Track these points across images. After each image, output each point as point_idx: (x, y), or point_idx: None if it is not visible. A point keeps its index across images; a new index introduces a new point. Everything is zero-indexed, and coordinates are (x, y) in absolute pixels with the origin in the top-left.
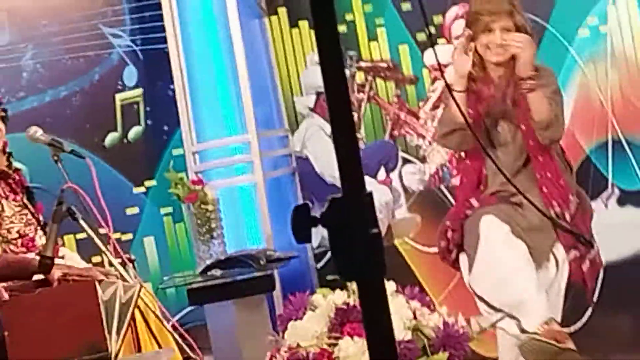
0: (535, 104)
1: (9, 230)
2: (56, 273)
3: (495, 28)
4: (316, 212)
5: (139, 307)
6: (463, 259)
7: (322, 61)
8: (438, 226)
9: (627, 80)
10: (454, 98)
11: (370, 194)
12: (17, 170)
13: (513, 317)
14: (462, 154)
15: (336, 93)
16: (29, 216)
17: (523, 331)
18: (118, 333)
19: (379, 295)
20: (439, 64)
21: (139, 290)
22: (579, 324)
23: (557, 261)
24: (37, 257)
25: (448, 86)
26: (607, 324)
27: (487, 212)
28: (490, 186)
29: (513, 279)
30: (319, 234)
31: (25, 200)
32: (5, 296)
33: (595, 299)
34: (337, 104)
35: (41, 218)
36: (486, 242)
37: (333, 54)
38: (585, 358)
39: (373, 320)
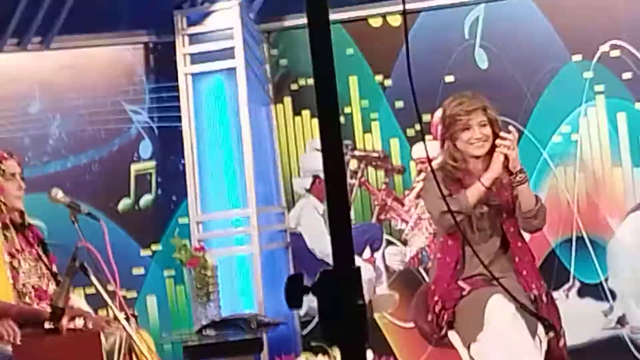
0: (524, 195)
1: (24, 285)
2: (65, 322)
3: (473, 125)
4: (307, 283)
5: (137, 356)
6: (453, 335)
7: (323, 146)
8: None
9: (593, 184)
10: (437, 183)
11: (359, 269)
12: (30, 225)
13: None
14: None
15: (334, 176)
16: (43, 269)
17: None
18: None
19: (360, 359)
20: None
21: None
22: None
23: (540, 340)
24: (48, 308)
25: (434, 173)
26: None
27: (496, 292)
28: (468, 267)
29: (522, 354)
30: (305, 303)
31: (40, 253)
32: (18, 341)
33: None
34: (334, 186)
35: (54, 268)
36: (495, 320)
37: (334, 141)
38: None
39: None
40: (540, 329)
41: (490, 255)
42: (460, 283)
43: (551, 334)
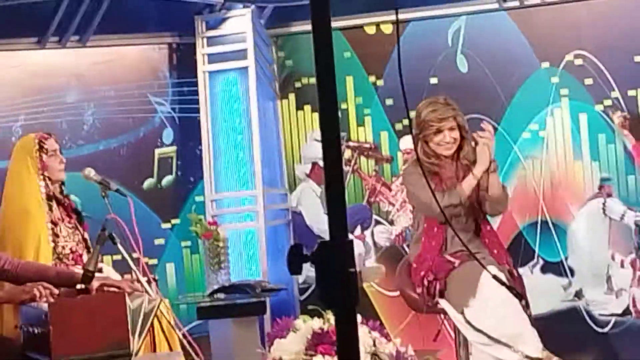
0: (493, 182)
1: (63, 248)
2: (95, 284)
3: (444, 129)
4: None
5: (157, 317)
6: (445, 303)
7: (323, 137)
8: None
9: (557, 175)
10: (424, 173)
11: (351, 241)
12: (67, 196)
13: (508, 346)
14: (424, 220)
15: (332, 160)
16: (79, 236)
17: (527, 357)
18: (140, 336)
19: (351, 320)
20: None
21: (159, 304)
22: None
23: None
24: (81, 270)
25: (420, 164)
26: None
27: (491, 263)
28: (450, 246)
29: (512, 316)
30: (304, 272)
31: (76, 222)
32: (51, 299)
33: None
34: (332, 168)
35: (86, 236)
36: (487, 286)
37: (332, 131)
38: None
39: (345, 340)
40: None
41: (467, 237)
42: (448, 257)
43: (522, 303)
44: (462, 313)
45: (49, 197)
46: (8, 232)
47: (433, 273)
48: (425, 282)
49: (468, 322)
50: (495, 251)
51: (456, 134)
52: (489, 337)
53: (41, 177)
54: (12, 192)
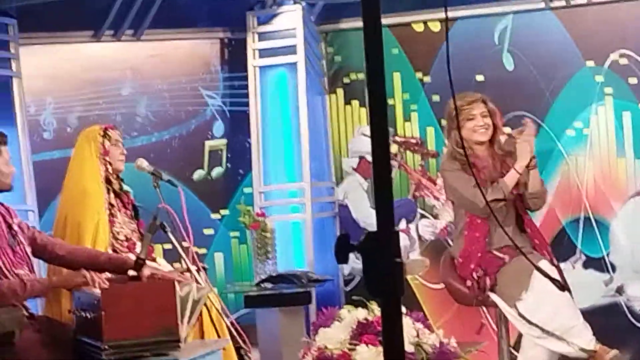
0: (533, 178)
1: (118, 233)
2: (146, 271)
3: (476, 114)
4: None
5: (206, 305)
6: (495, 297)
7: (372, 131)
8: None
9: (600, 172)
10: (471, 168)
11: (398, 232)
12: (126, 192)
13: (561, 339)
14: (465, 215)
15: (380, 153)
16: (134, 227)
17: (582, 349)
18: (188, 322)
19: (396, 309)
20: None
21: (209, 292)
22: None
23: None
24: (133, 258)
25: (469, 161)
26: None
27: (542, 259)
28: (495, 240)
29: (564, 310)
30: (350, 264)
31: (132, 215)
32: (105, 284)
33: None
34: (380, 161)
35: (142, 231)
36: (540, 280)
37: (381, 126)
38: None
39: (390, 328)
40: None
41: (509, 230)
42: (497, 253)
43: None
44: (515, 307)
45: (108, 181)
46: (69, 213)
47: (482, 268)
48: (475, 277)
49: (521, 316)
50: (536, 241)
51: (488, 120)
52: (543, 330)
53: (102, 160)
54: (73, 175)
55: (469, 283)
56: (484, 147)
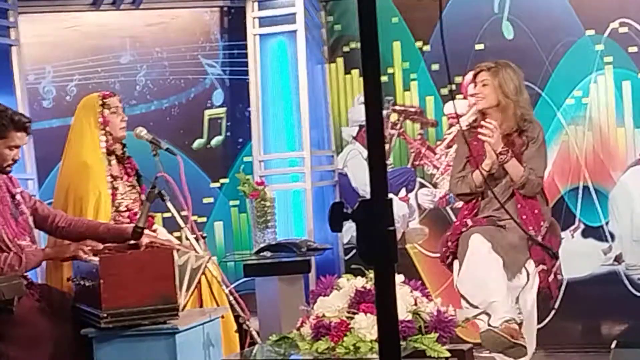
0: (511, 169)
1: (120, 204)
2: (144, 240)
3: (477, 82)
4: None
5: (205, 274)
6: (455, 265)
7: (366, 101)
8: (441, 237)
9: (599, 141)
10: (465, 139)
11: (391, 200)
12: (129, 157)
13: (487, 314)
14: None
15: (374, 121)
16: (136, 195)
17: (489, 325)
18: (187, 291)
19: (389, 277)
20: (456, 113)
21: (207, 260)
22: (543, 324)
23: (528, 273)
24: (132, 226)
25: (462, 131)
26: (564, 326)
27: (477, 231)
28: (482, 211)
29: (489, 285)
30: (349, 232)
31: (135, 182)
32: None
33: (557, 305)
34: (373, 126)
35: (142, 197)
36: (472, 254)
37: (375, 96)
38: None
39: (383, 297)
40: (532, 265)
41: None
42: (467, 220)
43: (542, 267)
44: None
45: (109, 152)
46: (70, 186)
47: (452, 234)
48: (447, 243)
49: (456, 286)
50: (523, 217)
51: (485, 90)
52: (469, 303)
53: (102, 132)
54: (73, 147)
55: (443, 249)
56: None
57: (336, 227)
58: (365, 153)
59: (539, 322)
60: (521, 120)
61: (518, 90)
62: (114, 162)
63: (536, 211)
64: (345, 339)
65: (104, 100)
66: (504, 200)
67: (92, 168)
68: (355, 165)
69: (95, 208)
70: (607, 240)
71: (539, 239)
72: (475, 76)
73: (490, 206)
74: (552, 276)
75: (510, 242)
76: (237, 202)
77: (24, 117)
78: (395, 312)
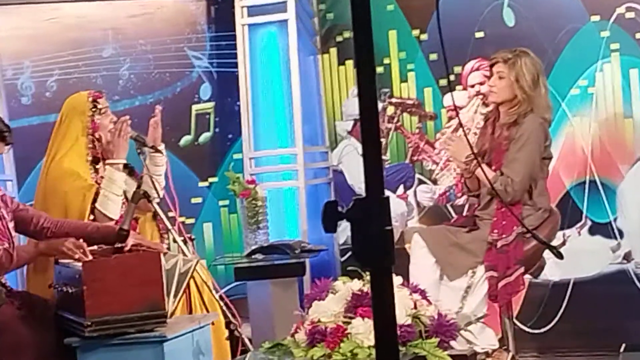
0: (481, 177)
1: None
2: (130, 242)
3: (493, 72)
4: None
5: (194, 278)
6: None
7: (360, 93)
8: None
9: (606, 133)
10: (464, 133)
11: (387, 198)
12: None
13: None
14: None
15: (368, 115)
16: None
17: None
18: (175, 296)
19: (386, 280)
20: (455, 106)
21: (196, 264)
22: (548, 327)
23: (473, 276)
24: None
25: (461, 124)
26: (571, 328)
27: (417, 231)
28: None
29: (416, 281)
30: (346, 233)
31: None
32: (89, 257)
33: (563, 307)
34: (367, 120)
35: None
36: (411, 255)
37: (369, 88)
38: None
39: (380, 300)
40: (481, 270)
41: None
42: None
43: (492, 274)
44: None
45: (95, 159)
46: (52, 191)
47: None
48: None
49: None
50: (495, 218)
51: (501, 83)
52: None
53: (91, 137)
54: (58, 151)
55: None
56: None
57: (330, 227)
58: (360, 148)
59: (543, 325)
60: (521, 117)
61: (536, 82)
62: (101, 167)
63: (511, 215)
64: (342, 345)
65: (95, 103)
66: (490, 199)
67: (77, 175)
68: (351, 162)
69: (78, 216)
70: (615, 238)
71: (499, 244)
72: (491, 67)
73: (480, 203)
74: (501, 284)
75: (459, 243)
76: (226, 202)
77: (2, 123)
78: (394, 316)
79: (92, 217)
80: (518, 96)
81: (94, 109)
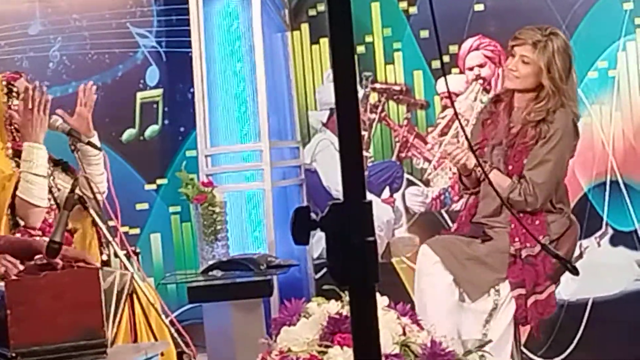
0: (495, 181)
1: None
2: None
3: (516, 54)
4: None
5: (139, 299)
6: None
7: (335, 77)
8: None
9: (630, 123)
10: (461, 125)
11: (370, 202)
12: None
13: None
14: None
15: (345, 99)
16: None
17: None
18: (114, 321)
19: (369, 302)
20: (449, 92)
21: (131, 278)
22: (564, 354)
23: (498, 296)
24: (43, 240)
25: (457, 115)
26: (590, 356)
27: (427, 243)
28: (479, 214)
29: (427, 305)
30: (320, 245)
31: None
32: (14, 273)
33: (580, 331)
34: (345, 109)
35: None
36: (418, 271)
37: (347, 71)
38: None
39: (361, 325)
40: (506, 287)
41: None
42: (454, 225)
43: (520, 292)
44: None
45: (16, 153)
46: None
47: None
48: None
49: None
50: (512, 226)
51: (526, 69)
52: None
53: (8, 129)
54: None
55: None
56: (503, 105)
57: (301, 238)
58: (338, 143)
59: (556, 354)
60: (551, 113)
61: (568, 72)
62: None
63: (537, 222)
64: None
65: (10, 87)
66: (500, 203)
67: None
68: (326, 159)
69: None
70: None
71: (524, 253)
72: (512, 47)
73: (487, 208)
74: (530, 301)
75: (477, 256)
76: (178, 209)
77: None
78: (378, 345)
79: (11, 214)
80: (546, 87)
81: (8, 94)
